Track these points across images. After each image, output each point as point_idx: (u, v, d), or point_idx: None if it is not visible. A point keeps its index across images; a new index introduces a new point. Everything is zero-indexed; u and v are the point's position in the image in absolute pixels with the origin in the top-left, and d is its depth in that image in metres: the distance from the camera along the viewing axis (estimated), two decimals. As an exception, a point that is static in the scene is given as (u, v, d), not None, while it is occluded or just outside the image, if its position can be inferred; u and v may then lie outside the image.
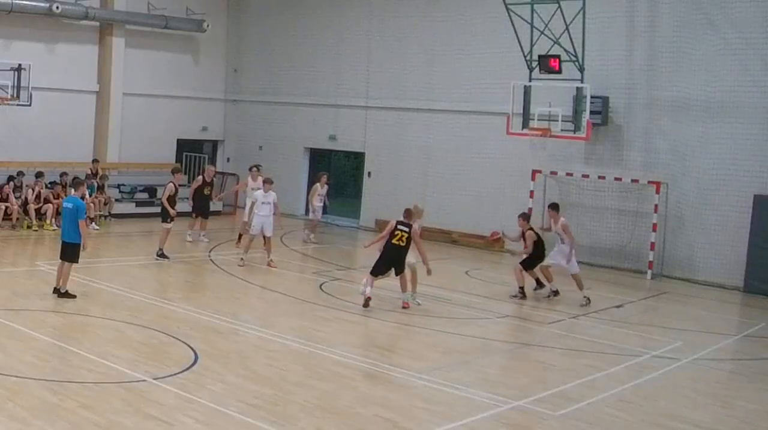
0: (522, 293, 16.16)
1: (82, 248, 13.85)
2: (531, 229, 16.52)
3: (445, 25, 23.68)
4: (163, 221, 18.31)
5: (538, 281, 16.62)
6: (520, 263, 16.43)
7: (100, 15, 24.90)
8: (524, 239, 16.39)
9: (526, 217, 16.94)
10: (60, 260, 13.91)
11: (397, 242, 14.54)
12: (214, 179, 21.90)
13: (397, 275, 14.69)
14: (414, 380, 10.65)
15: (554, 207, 16.38)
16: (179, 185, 18.77)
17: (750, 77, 18.68)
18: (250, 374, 10.48)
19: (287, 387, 10.04)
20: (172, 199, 18.19)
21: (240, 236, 20.24)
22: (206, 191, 20.88)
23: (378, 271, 14.69)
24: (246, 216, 19.61)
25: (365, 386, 10.39)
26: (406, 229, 14.59)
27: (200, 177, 21.21)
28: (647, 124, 20.25)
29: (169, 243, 18.27)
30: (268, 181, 18.53)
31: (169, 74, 27.09)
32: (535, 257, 16.37)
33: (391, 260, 14.61)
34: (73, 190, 15.69)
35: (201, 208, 20.70)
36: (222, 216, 25.77)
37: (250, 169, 21.41)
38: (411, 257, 14.88)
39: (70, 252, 13.77)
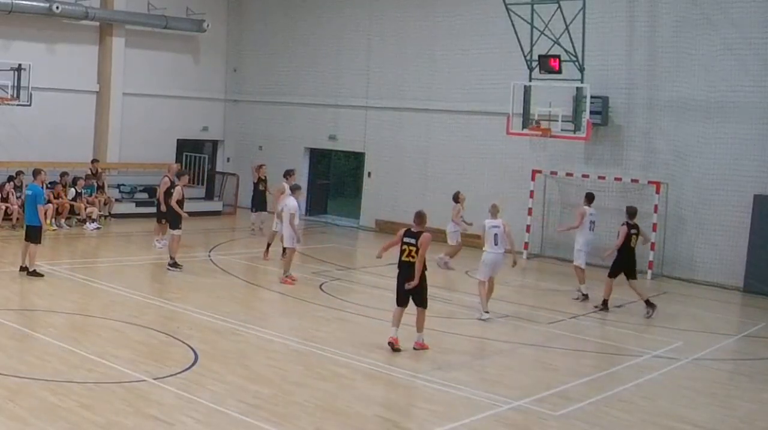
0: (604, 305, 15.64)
1: (42, 230, 15.55)
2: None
3: (445, 25, 23.67)
4: (172, 228, 17.11)
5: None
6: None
7: (100, 15, 24.89)
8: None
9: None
10: (24, 242, 15.47)
11: (406, 259, 11.71)
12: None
13: (417, 305, 11.83)
14: (414, 380, 10.65)
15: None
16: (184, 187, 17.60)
17: (750, 77, 18.68)
18: (250, 374, 10.48)
19: (287, 387, 10.05)
20: (180, 203, 17.15)
21: (269, 246, 18.61)
22: (172, 191, 18.72)
23: (401, 300, 11.86)
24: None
25: (365, 386, 10.38)
26: (413, 240, 11.61)
27: (166, 178, 19.51)
28: (647, 125, 20.25)
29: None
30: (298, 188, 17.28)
31: (169, 74, 27.08)
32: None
33: (406, 282, 11.74)
34: (33, 178, 16.31)
35: (168, 211, 18.54)
36: (223, 216, 25.79)
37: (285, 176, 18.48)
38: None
39: (33, 234, 15.38)
